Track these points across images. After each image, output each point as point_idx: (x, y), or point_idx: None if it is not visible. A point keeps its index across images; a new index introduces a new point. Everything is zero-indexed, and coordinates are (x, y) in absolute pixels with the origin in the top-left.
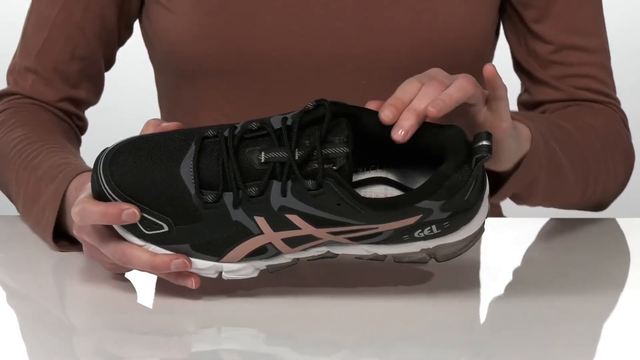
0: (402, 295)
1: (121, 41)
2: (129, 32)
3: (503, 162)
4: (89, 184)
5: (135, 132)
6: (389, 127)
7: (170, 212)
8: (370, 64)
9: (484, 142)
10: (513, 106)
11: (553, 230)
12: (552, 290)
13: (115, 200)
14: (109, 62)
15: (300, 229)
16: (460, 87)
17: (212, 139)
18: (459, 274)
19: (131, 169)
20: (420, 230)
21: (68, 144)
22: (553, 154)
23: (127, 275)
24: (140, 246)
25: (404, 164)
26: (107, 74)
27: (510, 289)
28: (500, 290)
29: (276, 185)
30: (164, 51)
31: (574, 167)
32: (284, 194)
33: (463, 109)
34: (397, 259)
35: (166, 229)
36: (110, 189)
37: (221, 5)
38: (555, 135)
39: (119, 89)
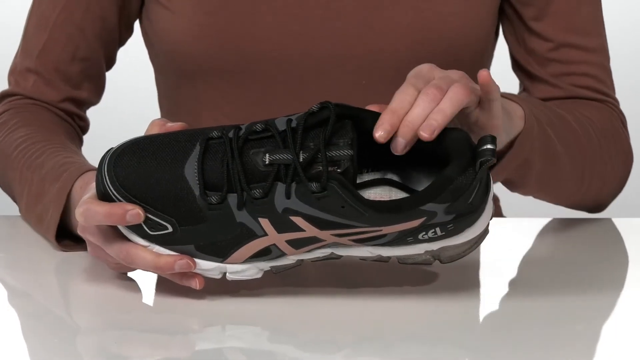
0: (402, 295)
1: (122, 41)
2: (129, 32)
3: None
4: (93, 184)
5: (136, 131)
6: None
7: (174, 213)
8: (370, 63)
9: (489, 146)
10: None
11: (553, 230)
12: (552, 290)
13: (119, 200)
14: (110, 62)
15: (304, 230)
16: (454, 100)
17: (217, 140)
18: (458, 273)
19: (136, 169)
20: (424, 233)
21: (71, 143)
22: (548, 140)
23: (131, 274)
24: (145, 247)
25: (408, 165)
26: (107, 74)
27: (510, 289)
28: (500, 290)
29: (280, 187)
30: (164, 51)
31: (570, 156)
32: (288, 196)
33: None
34: (402, 261)
35: (170, 229)
36: (115, 190)
37: (221, 5)
38: (551, 122)
39: (120, 89)
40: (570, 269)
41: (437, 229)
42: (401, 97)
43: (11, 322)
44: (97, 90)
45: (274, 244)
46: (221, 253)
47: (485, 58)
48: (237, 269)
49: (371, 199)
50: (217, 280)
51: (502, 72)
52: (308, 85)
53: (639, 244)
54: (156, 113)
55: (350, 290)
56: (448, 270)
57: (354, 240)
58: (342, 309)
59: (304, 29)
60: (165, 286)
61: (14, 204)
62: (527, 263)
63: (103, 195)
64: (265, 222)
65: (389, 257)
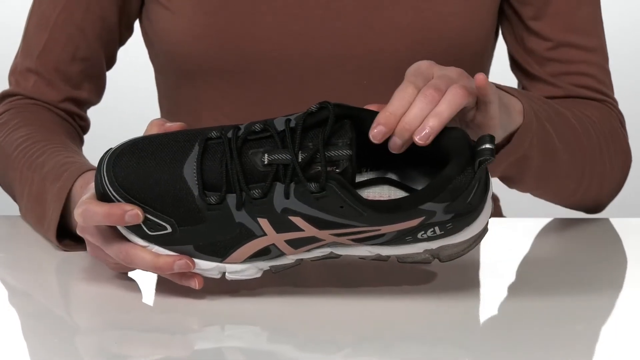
0: (402, 295)
1: (122, 41)
2: (129, 31)
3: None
4: (93, 184)
5: (136, 131)
6: None
7: (173, 214)
8: (370, 63)
9: (487, 145)
10: None
11: (552, 230)
12: (552, 290)
13: (118, 201)
14: (110, 62)
15: (303, 230)
16: (452, 103)
17: (216, 140)
18: (458, 274)
19: (135, 170)
20: (423, 232)
21: (71, 143)
22: (547, 135)
23: (131, 274)
24: (144, 247)
25: (407, 164)
26: (107, 74)
27: (510, 289)
28: (499, 290)
29: (279, 188)
30: (164, 51)
31: (569, 153)
32: (287, 196)
33: None
34: (401, 260)
35: (169, 230)
36: (114, 190)
37: (221, 5)
38: (551, 118)
39: (120, 89)
40: (570, 269)
41: (436, 228)
42: (400, 95)
43: (11, 322)
44: (97, 90)
45: (273, 244)
46: (220, 253)
47: (485, 58)
48: (237, 269)
49: (370, 198)
50: (217, 280)
51: (502, 72)
52: (308, 85)
53: (637, 244)
54: (156, 113)
55: (350, 290)
56: (448, 270)
57: (353, 240)
58: (341, 309)
59: (304, 29)
60: (164, 286)
61: (14, 203)
62: (527, 263)
63: (102, 196)
64: (264, 222)
65: (388, 256)
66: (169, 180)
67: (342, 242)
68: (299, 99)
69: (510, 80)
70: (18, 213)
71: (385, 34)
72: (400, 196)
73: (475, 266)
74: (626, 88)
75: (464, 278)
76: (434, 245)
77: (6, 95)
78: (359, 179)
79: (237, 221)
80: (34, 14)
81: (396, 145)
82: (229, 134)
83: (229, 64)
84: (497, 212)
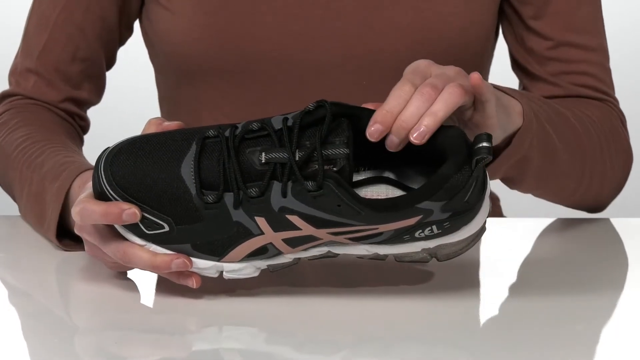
0: (402, 295)
1: (122, 41)
2: (129, 32)
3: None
4: (91, 183)
5: (136, 131)
6: None
7: (171, 212)
8: (370, 64)
9: (484, 144)
10: None
11: (553, 231)
12: (552, 290)
13: (116, 200)
14: (110, 62)
15: (300, 229)
16: (448, 102)
17: (213, 139)
18: (458, 274)
19: (132, 169)
20: (420, 231)
21: (71, 143)
22: (547, 136)
23: (130, 274)
24: (142, 246)
25: (405, 163)
26: (107, 74)
27: (510, 289)
28: (499, 290)
29: (277, 186)
30: (164, 52)
31: (569, 153)
32: (284, 195)
33: None
34: (398, 259)
35: (167, 229)
36: (112, 189)
37: (221, 5)
38: (550, 119)
39: (120, 89)
40: (570, 269)
41: (434, 227)
42: (397, 93)
43: (11, 322)
44: (97, 90)
45: (271, 243)
46: (218, 252)
47: (485, 58)
48: (234, 268)
49: (367, 197)
50: (214, 280)
51: (502, 72)
52: (308, 85)
53: (638, 244)
54: (156, 113)
55: (348, 290)
56: (448, 270)
57: (351, 239)
58: (340, 309)
59: (304, 29)
60: (163, 286)
61: (14, 203)
62: (527, 263)
63: (100, 195)
64: (261, 221)
65: (386, 255)
66: (167, 179)
67: (339, 241)
68: (299, 99)
69: (510, 80)
70: (18, 213)
71: (385, 34)
72: (398, 195)
73: (475, 266)
74: (626, 88)
75: (464, 278)
76: (431, 244)
77: (6, 95)
78: (356, 177)
79: (234, 220)
80: (34, 14)
81: (393, 143)
82: (227, 133)
83: (229, 64)
84: (497, 212)
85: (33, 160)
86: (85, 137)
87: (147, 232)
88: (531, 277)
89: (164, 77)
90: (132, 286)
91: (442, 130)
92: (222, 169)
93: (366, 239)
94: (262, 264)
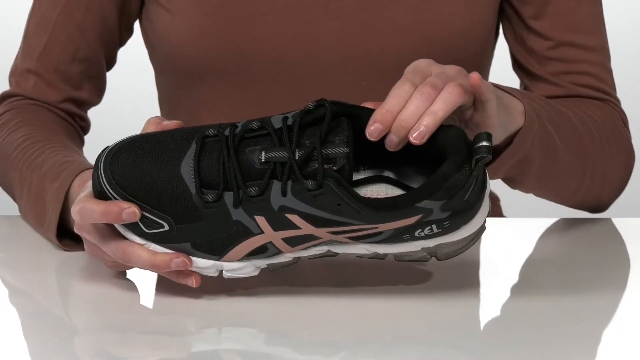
0: (402, 295)
1: (122, 41)
2: (129, 32)
3: (495, 137)
4: (90, 182)
5: (136, 132)
6: None
7: (170, 211)
8: (370, 64)
9: (484, 143)
10: None
11: (553, 231)
12: (552, 290)
13: (116, 199)
14: (110, 62)
15: (300, 228)
16: (448, 101)
17: (213, 138)
18: (459, 274)
19: (132, 168)
20: (420, 230)
21: (71, 143)
22: (548, 136)
23: (128, 275)
24: (141, 245)
25: (404, 162)
26: (107, 74)
27: (510, 289)
28: (499, 290)
29: (276, 185)
30: (164, 52)
31: (570, 153)
32: (284, 194)
33: None
34: (398, 258)
35: (167, 228)
36: (111, 188)
37: (221, 5)
38: (552, 118)
39: (120, 89)
40: (571, 269)
41: (434, 226)
42: (396, 93)
43: (11, 322)
44: (97, 90)
45: (270, 242)
46: (217, 251)
47: (485, 58)
48: (234, 267)
49: (367, 196)
50: (214, 279)
51: (502, 72)
52: (308, 86)
53: (639, 244)
54: (156, 113)
55: (348, 290)
56: (448, 270)
57: (350, 238)
58: (340, 310)
59: (304, 29)
60: (163, 287)
61: (14, 203)
62: (527, 263)
63: (99, 194)
64: (261, 220)
65: (386, 255)
66: (166, 178)
67: (339, 240)
68: (299, 100)
69: (510, 80)
70: (18, 213)
71: (385, 34)
72: (398, 194)
73: (475, 266)
74: (626, 88)
75: (464, 278)
76: (431, 243)
77: (6, 96)
78: (356, 177)
79: (234, 219)
80: (34, 15)
81: (393, 142)
82: (226, 132)
83: (229, 64)
84: (497, 212)
85: (33, 160)
86: (86, 137)
87: (147, 231)
88: (531, 277)
89: (163, 77)
90: (132, 286)
91: (441, 130)
92: (222, 168)
93: (366, 238)
94: (262, 263)
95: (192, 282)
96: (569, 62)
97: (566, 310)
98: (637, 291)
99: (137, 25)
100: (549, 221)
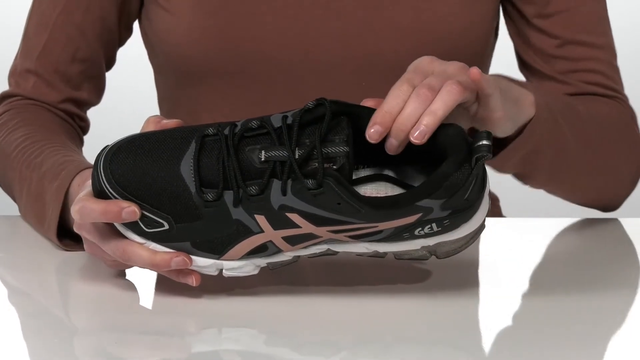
0: (402, 295)
1: (121, 41)
2: (129, 32)
3: (503, 130)
4: (90, 181)
5: (136, 132)
6: None
7: (170, 211)
8: (370, 64)
9: (484, 142)
10: None
11: (553, 231)
12: (552, 290)
13: (115, 198)
14: (110, 62)
15: (300, 227)
16: (447, 100)
17: (213, 137)
18: (458, 274)
19: (131, 167)
20: (420, 229)
21: (71, 143)
22: (559, 129)
23: (128, 275)
24: (141, 244)
25: (404, 161)
26: (107, 74)
27: (510, 289)
28: (499, 290)
29: (276, 184)
30: (164, 52)
31: (582, 147)
32: (284, 193)
33: None
34: (398, 256)
35: (166, 227)
36: (111, 187)
37: (221, 6)
38: (563, 112)
39: (120, 89)
40: (571, 269)
41: (433, 225)
42: (395, 93)
43: (11, 322)
44: (97, 90)
45: (270, 241)
46: (217, 250)
47: (485, 58)
48: (234, 266)
49: (367, 195)
50: (214, 279)
51: (502, 72)
52: (308, 86)
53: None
54: (155, 113)
55: (348, 289)
56: (448, 270)
57: (350, 237)
58: (340, 310)
59: (304, 30)
60: (163, 287)
61: (14, 203)
62: (527, 263)
63: (99, 193)
64: (261, 219)
65: (385, 253)
66: (166, 177)
67: (339, 238)
68: (299, 100)
69: None
70: (18, 213)
71: (385, 34)
72: (398, 193)
73: (474, 266)
74: (626, 88)
75: (463, 279)
76: (431, 241)
77: (6, 96)
78: (356, 175)
79: (234, 218)
80: (34, 15)
81: (393, 146)
82: (226, 131)
83: (228, 64)
84: (497, 212)
85: (32, 160)
86: (85, 137)
87: (147, 230)
88: (531, 278)
89: (163, 77)
90: (131, 286)
91: (441, 129)
92: (222, 167)
93: (366, 237)
94: (262, 261)
95: (192, 281)
96: (576, 61)
97: (566, 310)
98: (637, 291)
99: (136, 25)
100: (549, 221)
